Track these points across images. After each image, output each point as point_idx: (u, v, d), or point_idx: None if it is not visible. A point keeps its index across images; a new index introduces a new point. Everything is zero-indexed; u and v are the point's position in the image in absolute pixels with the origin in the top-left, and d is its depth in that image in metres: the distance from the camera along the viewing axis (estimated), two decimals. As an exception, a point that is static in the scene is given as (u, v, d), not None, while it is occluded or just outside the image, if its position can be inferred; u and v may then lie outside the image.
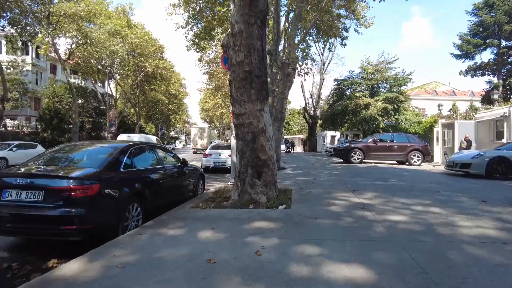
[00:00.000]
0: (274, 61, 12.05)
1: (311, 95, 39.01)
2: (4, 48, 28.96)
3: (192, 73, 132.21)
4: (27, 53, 35.28)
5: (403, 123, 25.71)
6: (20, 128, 28.16)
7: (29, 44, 33.73)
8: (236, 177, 5.86)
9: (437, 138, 18.10)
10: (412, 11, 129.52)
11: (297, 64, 13.11)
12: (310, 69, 14.99)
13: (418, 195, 6.07)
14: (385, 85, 29.07)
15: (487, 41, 26.64)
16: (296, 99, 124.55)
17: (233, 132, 6.39)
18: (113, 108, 33.36)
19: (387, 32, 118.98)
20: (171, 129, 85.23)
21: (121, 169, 4.20)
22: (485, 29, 26.40)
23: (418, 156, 14.80)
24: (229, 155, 13.29)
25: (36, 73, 36.67)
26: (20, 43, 32.29)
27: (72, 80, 42.19)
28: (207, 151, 13.32)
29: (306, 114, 37.15)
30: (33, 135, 27.52)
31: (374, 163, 15.25)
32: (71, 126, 26.46)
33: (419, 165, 14.53)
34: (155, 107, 46.72)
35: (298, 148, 47.65)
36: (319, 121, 38.41)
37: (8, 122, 27.51)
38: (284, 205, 5.05)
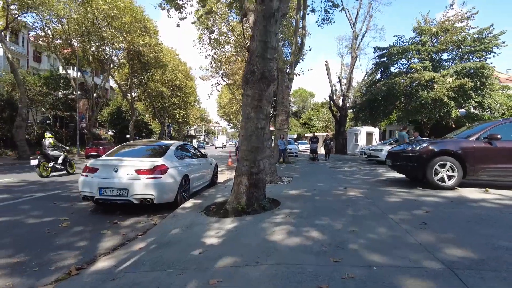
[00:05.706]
0: None
1: (339, 79, 30.26)
2: None
3: (200, 63, 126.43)
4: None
5: (489, 111, 16.33)
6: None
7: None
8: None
9: None
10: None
11: None
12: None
13: None
14: (452, 53, 19.37)
15: None
16: (320, 91, 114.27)
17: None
18: (87, 97, 26.65)
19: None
20: (188, 127, 78.36)
21: None
22: None
23: None
24: (142, 172, 5.45)
25: (16, 60, 31.20)
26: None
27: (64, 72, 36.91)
28: (89, 164, 5.50)
29: (332, 104, 28.15)
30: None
31: (487, 186, 6.64)
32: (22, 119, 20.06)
33: None
34: (158, 101, 40.28)
35: (323, 150, 37.49)
36: (350, 114, 29.48)
37: None
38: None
